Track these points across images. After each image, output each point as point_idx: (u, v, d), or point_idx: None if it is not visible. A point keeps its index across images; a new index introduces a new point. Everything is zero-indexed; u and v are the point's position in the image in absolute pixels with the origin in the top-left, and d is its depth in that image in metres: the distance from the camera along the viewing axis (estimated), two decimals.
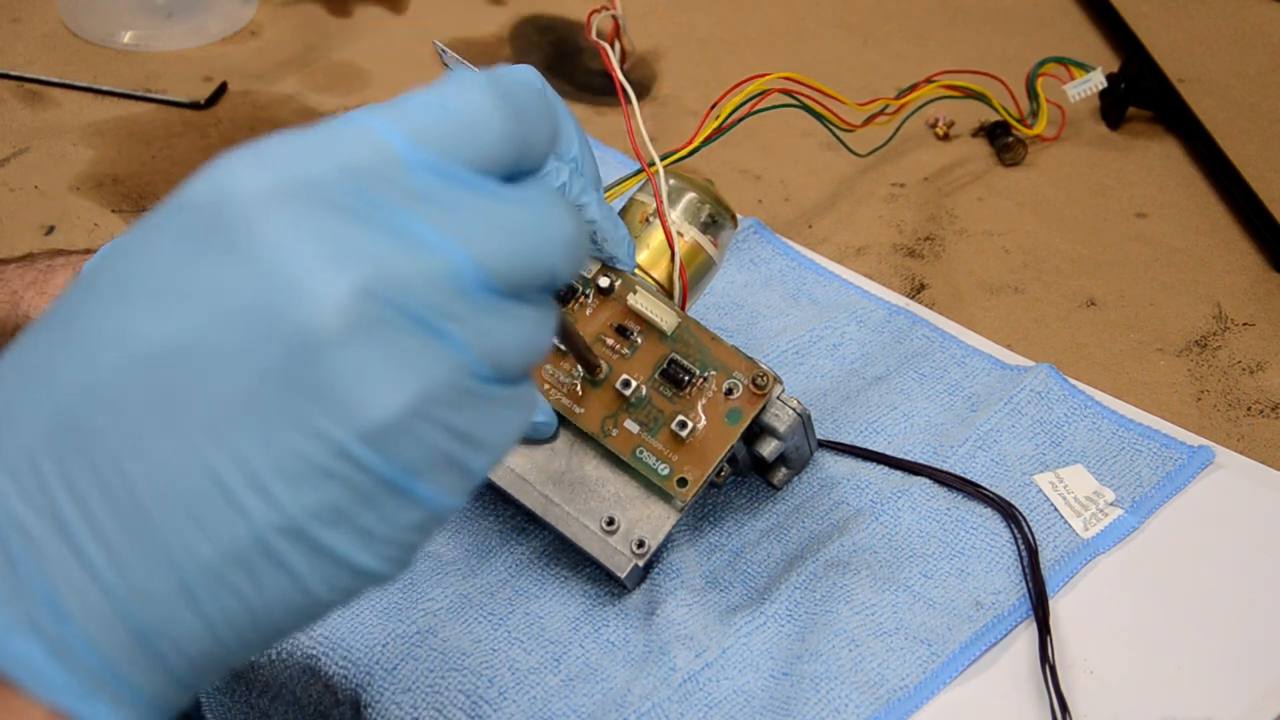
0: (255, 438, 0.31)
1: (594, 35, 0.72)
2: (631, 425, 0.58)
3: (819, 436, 0.64)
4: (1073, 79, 0.86)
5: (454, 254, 0.32)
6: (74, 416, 0.31)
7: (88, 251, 0.63)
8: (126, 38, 0.97)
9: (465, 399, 0.33)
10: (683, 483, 0.57)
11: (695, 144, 0.70)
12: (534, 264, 0.33)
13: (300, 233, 0.31)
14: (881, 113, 0.79)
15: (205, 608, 0.31)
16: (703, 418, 0.57)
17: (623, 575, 0.57)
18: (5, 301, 0.61)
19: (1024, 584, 0.59)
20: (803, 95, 0.74)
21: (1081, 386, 0.68)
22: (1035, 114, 0.85)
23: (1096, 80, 0.86)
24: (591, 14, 0.75)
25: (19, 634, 0.31)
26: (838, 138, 0.79)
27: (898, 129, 0.83)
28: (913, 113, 0.82)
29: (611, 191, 0.65)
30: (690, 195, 0.62)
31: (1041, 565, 0.59)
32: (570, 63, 0.97)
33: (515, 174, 0.34)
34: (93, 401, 0.31)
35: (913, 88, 0.81)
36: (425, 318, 0.31)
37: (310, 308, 0.30)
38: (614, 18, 0.87)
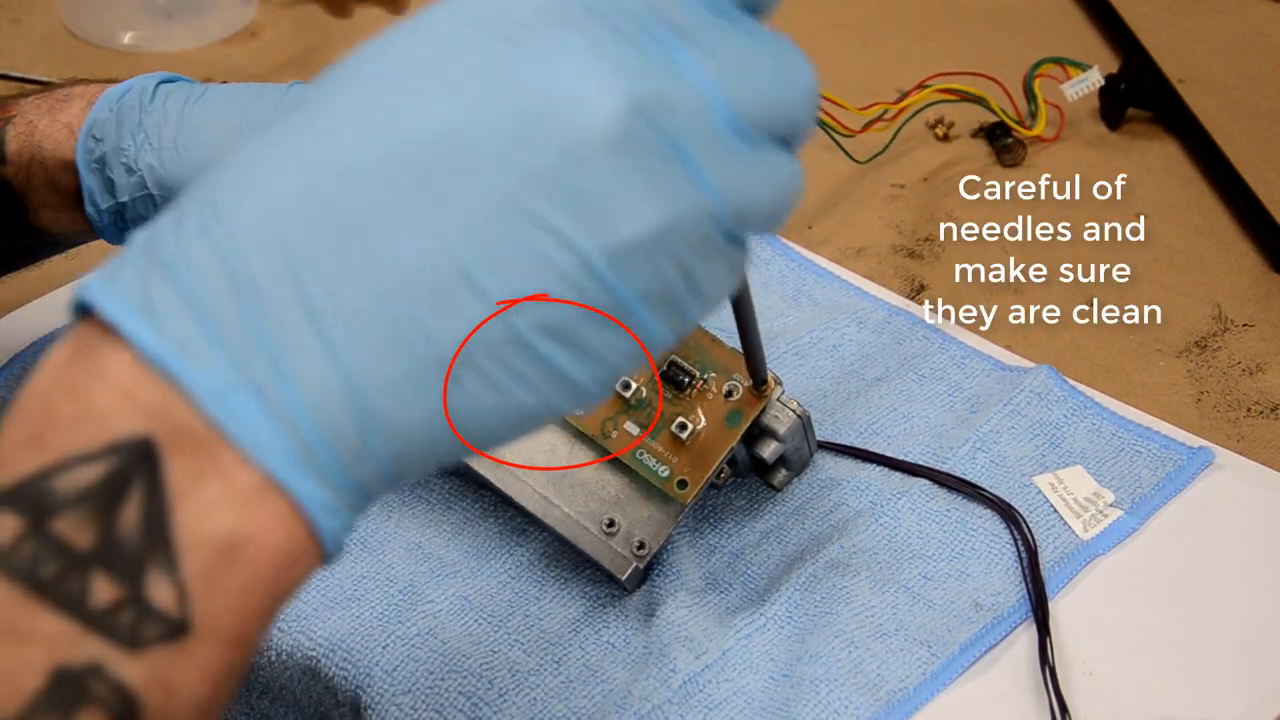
0: (509, 239, 0.31)
1: None
2: (631, 427, 0.58)
3: (819, 438, 0.64)
4: (1069, 78, 0.86)
5: (712, 90, 0.32)
6: (326, 194, 0.31)
7: (110, 81, 0.61)
8: (127, 38, 0.97)
9: (702, 241, 0.33)
10: (683, 485, 0.57)
11: None
12: (781, 109, 0.33)
13: (579, 42, 0.31)
14: (880, 118, 0.80)
15: (429, 396, 0.31)
16: (703, 420, 0.57)
17: (623, 577, 0.57)
18: (23, 133, 0.60)
19: (1024, 585, 0.59)
20: None
21: (1081, 387, 0.68)
22: (1033, 115, 0.85)
23: (1094, 79, 0.86)
24: None
25: (242, 393, 0.30)
26: (838, 144, 0.79)
27: (895, 133, 0.83)
28: (910, 117, 0.82)
29: None
30: None
31: (1041, 566, 0.59)
32: None
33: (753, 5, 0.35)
34: (349, 181, 0.31)
35: (908, 93, 0.81)
36: (685, 149, 0.32)
37: (588, 115, 0.31)
38: None
